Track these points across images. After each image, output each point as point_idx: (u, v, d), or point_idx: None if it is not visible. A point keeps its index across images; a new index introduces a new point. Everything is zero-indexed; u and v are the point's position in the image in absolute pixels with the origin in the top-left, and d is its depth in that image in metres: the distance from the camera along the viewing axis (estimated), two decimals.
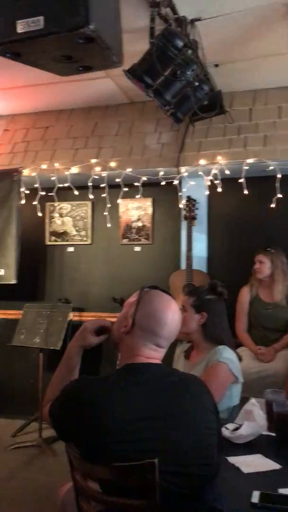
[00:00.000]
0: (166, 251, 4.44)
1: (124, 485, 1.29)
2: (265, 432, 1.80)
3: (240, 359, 2.35)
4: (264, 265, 3.60)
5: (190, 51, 2.74)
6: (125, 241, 4.58)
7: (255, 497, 1.27)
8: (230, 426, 1.80)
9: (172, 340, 1.52)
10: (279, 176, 3.69)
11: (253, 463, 1.55)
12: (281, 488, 1.36)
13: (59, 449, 3.70)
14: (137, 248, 4.54)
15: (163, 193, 4.32)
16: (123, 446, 1.28)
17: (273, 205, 3.75)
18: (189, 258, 3.97)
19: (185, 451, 1.32)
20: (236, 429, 1.76)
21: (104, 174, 4.11)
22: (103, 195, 4.19)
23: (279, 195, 3.69)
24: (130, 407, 1.33)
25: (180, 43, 2.59)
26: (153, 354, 1.48)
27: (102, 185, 4.18)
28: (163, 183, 4.05)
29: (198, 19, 2.87)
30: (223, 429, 1.74)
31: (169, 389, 1.40)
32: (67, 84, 3.84)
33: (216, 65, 3.49)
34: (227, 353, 2.25)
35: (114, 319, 1.62)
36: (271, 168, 3.70)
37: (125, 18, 2.23)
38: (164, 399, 1.37)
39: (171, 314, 1.48)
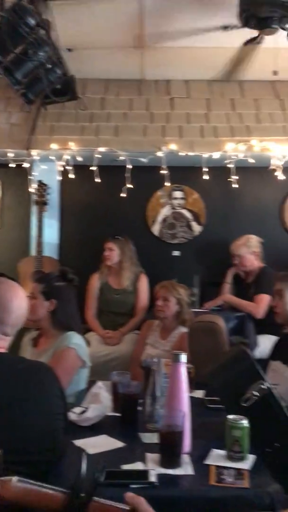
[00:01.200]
0: (15, 237, 4.29)
1: None
2: (110, 413, 1.88)
3: (88, 344, 2.40)
4: (113, 253, 3.71)
5: (43, 32, 2.66)
6: None
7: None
8: (77, 409, 1.83)
9: (19, 327, 1.49)
10: (129, 166, 3.81)
11: (98, 444, 1.61)
12: (124, 465, 1.44)
13: None
14: None
15: (12, 176, 4.15)
16: None
17: (123, 195, 3.87)
18: (39, 244, 3.91)
19: (31, 438, 1.31)
20: (83, 412, 1.80)
21: None
22: None
23: (129, 185, 3.82)
24: None
25: (32, 21, 2.50)
26: None
27: None
28: (12, 165, 3.89)
29: None
30: (70, 413, 1.76)
31: (15, 377, 1.38)
32: None
33: (70, 50, 3.44)
34: (75, 339, 2.28)
35: None
36: (121, 158, 3.81)
37: None
38: (10, 388, 1.34)
39: (18, 301, 1.46)
